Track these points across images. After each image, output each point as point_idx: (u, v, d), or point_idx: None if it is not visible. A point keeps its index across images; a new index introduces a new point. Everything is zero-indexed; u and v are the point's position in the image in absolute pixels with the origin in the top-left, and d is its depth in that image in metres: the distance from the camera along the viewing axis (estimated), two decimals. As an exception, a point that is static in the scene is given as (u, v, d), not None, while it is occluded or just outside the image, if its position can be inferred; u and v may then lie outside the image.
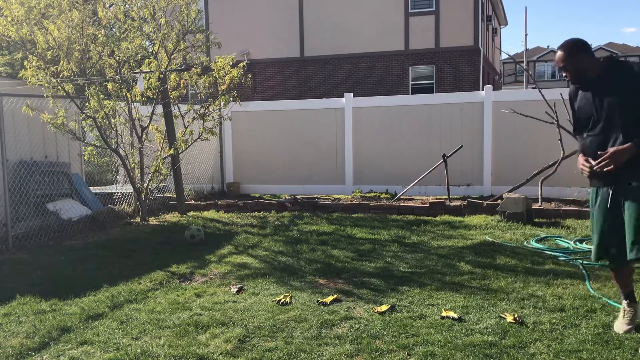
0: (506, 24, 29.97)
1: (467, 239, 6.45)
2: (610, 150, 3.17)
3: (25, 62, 7.33)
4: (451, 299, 4.28)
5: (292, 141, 10.76)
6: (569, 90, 3.59)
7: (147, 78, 8.17)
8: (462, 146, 9.04)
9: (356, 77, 20.07)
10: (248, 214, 8.64)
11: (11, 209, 6.93)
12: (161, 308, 4.24)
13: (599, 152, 3.21)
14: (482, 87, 14.94)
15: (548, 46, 55.30)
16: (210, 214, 8.75)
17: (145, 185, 8.39)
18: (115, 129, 8.13)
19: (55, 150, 8.50)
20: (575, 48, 3.38)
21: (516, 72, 47.72)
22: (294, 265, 5.50)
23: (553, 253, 5.66)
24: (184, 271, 5.39)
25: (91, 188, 9.55)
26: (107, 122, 7.88)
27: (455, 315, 3.86)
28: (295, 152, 10.75)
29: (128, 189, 9.19)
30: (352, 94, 10.62)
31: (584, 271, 4.93)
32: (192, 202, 9.68)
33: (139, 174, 8.40)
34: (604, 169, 3.17)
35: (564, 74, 3.41)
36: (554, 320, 3.77)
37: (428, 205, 8.31)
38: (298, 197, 9.77)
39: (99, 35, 7.72)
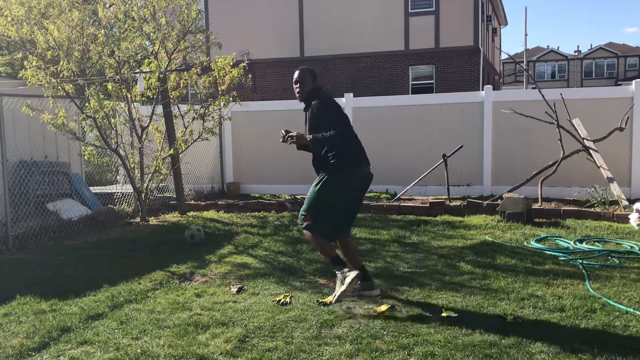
0: (506, 24, 29.97)
1: (467, 239, 6.45)
2: (299, 133, 4.38)
3: (25, 62, 7.33)
4: (451, 299, 4.28)
5: (292, 141, 10.74)
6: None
7: (147, 78, 8.17)
8: (462, 146, 9.04)
9: (356, 77, 20.07)
10: (248, 214, 8.64)
11: (11, 209, 6.93)
12: (161, 308, 4.24)
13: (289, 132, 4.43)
14: (482, 87, 14.93)
15: (548, 46, 55.35)
16: (210, 214, 8.75)
17: (145, 185, 8.39)
18: (115, 129, 8.13)
19: (55, 150, 8.50)
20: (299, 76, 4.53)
21: (516, 72, 47.72)
22: (294, 265, 5.50)
23: (553, 253, 5.66)
24: (184, 271, 5.39)
25: (91, 188, 9.55)
26: (107, 122, 7.88)
27: (456, 315, 3.86)
28: (295, 152, 10.56)
29: (128, 189, 9.19)
30: (352, 94, 10.62)
31: (584, 271, 4.93)
32: (192, 202, 9.68)
33: (139, 174, 8.40)
34: (288, 141, 4.40)
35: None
36: (554, 320, 3.77)
37: (428, 205, 8.31)
38: (298, 197, 9.77)
39: (99, 35, 7.71)
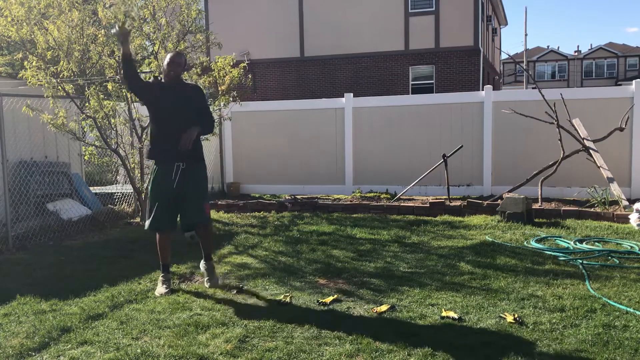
0: (506, 24, 29.97)
1: (467, 239, 6.45)
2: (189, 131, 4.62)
3: (25, 62, 7.32)
4: (451, 299, 4.28)
5: (292, 141, 10.76)
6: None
7: (147, 78, 8.16)
8: (462, 146, 9.04)
9: (356, 77, 20.07)
10: (248, 214, 8.64)
11: (11, 209, 6.93)
12: (161, 308, 4.24)
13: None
14: (482, 87, 14.94)
15: (548, 46, 55.37)
16: (210, 214, 8.73)
17: (145, 185, 8.38)
18: (115, 129, 8.12)
19: (55, 150, 8.50)
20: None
21: (516, 72, 47.75)
22: (294, 265, 5.50)
23: (553, 253, 5.66)
24: (183, 271, 5.39)
25: (91, 188, 9.55)
26: (107, 122, 7.88)
27: (455, 315, 3.86)
28: (295, 152, 10.75)
29: (128, 189, 9.18)
30: (352, 94, 10.63)
31: (584, 271, 4.93)
32: (192, 202, 9.65)
33: (139, 174, 8.39)
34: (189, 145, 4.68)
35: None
36: (554, 320, 3.77)
37: (428, 205, 8.31)
38: (298, 197, 9.77)
39: (99, 35, 7.71)
